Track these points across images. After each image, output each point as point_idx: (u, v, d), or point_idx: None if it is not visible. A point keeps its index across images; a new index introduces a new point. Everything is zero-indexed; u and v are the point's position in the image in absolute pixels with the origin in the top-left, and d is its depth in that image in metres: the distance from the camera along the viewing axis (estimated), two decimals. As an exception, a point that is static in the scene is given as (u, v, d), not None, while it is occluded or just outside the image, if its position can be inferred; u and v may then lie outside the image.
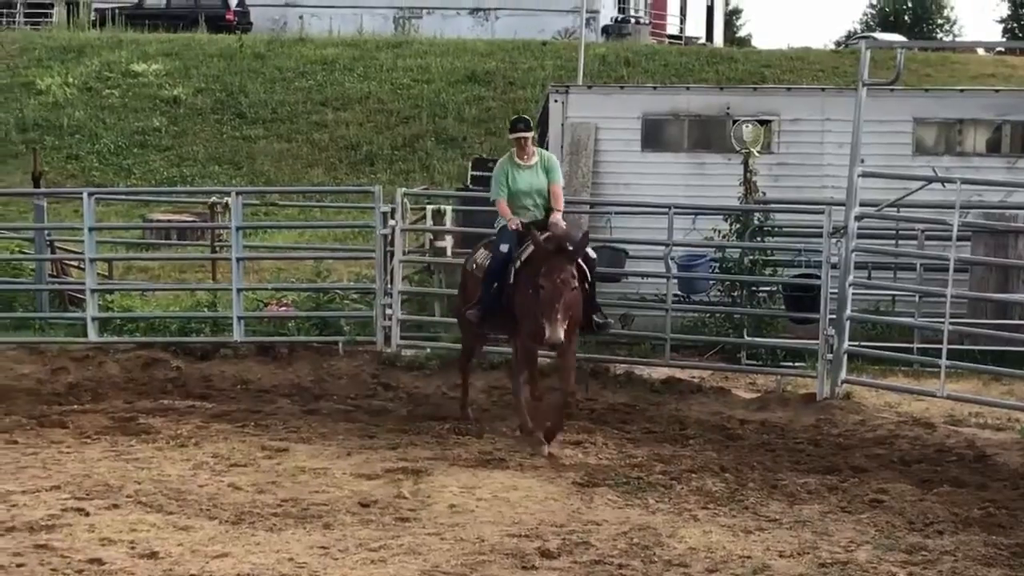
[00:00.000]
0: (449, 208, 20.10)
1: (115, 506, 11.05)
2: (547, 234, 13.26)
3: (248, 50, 42.61)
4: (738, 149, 20.61)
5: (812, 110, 21.79)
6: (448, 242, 19.37)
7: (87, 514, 10.77)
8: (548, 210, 13.85)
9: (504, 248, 13.61)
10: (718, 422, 14.81)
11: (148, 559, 9.61)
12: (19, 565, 9.45)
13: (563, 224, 13.65)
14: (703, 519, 10.85)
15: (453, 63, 41.83)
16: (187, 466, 12.50)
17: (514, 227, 13.62)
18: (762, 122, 21.37)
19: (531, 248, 13.16)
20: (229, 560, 9.59)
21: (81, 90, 39.58)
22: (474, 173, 25.64)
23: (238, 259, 17.87)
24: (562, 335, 12.45)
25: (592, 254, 13.93)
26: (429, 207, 20.10)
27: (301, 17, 52.13)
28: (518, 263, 13.43)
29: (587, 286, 13.48)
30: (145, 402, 15.68)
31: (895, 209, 17.13)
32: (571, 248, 12.95)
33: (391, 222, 17.64)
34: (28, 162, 29.09)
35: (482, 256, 14.29)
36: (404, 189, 18.48)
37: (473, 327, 14.41)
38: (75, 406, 15.42)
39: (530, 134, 14.04)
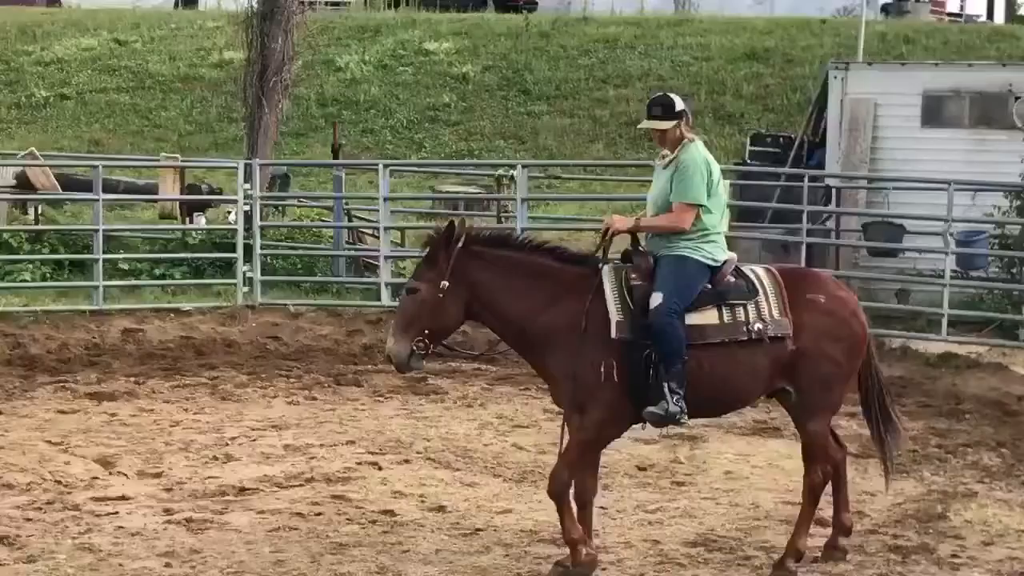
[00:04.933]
0: (727, 183, 20.16)
1: (406, 461, 11.54)
2: None
3: (534, 29, 42.87)
4: (1020, 126, 20.25)
5: None
6: (726, 215, 19.47)
7: (380, 468, 11.30)
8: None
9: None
10: (995, 397, 14.58)
11: (437, 512, 10.01)
12: (317, 513, 9.98)
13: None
14: (979, 493, 10.74)
15: (732, 41, 41.41)
16: (473, 425, 12.97)
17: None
18: (1045, 100, 20.97)
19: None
20: (512, 516, 9.91)
21: (376, 67, 40.28)
22: (752, 148, 25.63)
23: (522, 229, 18.19)
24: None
25: (656, 299, 9.26)
26: (707, 182, 20.15)
27: (585, -4, 52.45)
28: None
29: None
30: (434, 364, 15.87)
31: None
32: None
33: (669, 195, 17.79)
34: (328, 135, 30.08)
35: None
36: (683, 164, 18.60)
37: None
38: (369, 366, 15.92)
39: (661, 124, 9.00)
